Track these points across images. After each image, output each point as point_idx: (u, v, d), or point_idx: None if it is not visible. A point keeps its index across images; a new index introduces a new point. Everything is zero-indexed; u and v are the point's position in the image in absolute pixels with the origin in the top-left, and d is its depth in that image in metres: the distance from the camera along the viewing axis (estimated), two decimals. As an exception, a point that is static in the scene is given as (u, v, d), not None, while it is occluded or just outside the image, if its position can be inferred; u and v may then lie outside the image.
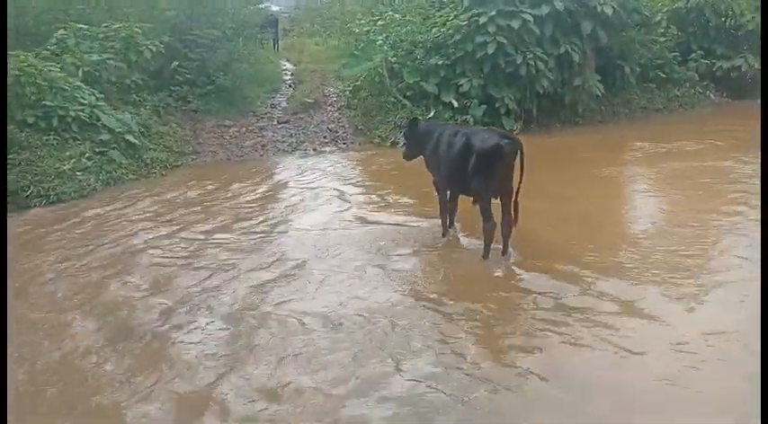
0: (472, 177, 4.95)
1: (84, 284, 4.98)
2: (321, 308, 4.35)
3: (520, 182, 4.89)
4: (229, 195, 7.73)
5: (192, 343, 3.94)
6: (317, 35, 24.70)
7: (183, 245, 5.80)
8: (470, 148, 4.90)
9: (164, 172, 9.07)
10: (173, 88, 11.32)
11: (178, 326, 4.19)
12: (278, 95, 13.80)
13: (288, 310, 4.34)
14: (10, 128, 7.75)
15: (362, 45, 11.93)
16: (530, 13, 10.37)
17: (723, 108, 13.26)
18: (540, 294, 4.47)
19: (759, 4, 12.99)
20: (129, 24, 10.56)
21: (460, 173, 5.08)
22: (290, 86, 14.65)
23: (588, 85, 11.36)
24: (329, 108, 12.44)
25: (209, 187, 8.16)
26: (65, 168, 7.99)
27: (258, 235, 6.02)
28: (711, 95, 13.66)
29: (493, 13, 10.27)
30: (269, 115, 12.29)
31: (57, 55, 9.71)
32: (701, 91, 13.44)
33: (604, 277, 4.66)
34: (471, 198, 5.41)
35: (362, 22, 12.61)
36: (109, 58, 10.04)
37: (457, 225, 5.87)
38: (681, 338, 3.70)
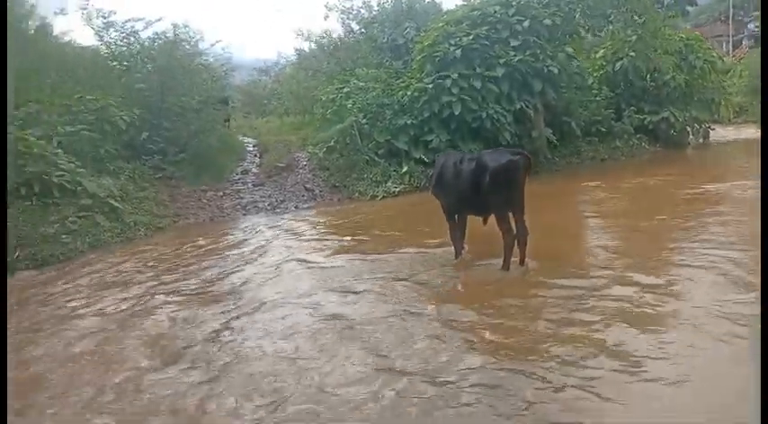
0: (488, 195, 5.33)
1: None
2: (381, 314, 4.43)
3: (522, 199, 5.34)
4: (227, 245, 7.69)
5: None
6: (266, 115, 25.55)
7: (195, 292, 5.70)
8: (484, 168, 5.31)
9: (150, 234, 8.88)
10: (145, 157, 11.33)
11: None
12: (246, 163, 14.05)
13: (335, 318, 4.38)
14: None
15: (333, 110, 12.53)
16: (487, 74, 11.42)
17: (657, 156, 14.73)
18: (570, 288, 4.77)
19: (679, 62, 14.95)
20: (102, 96, 10.67)
21: (474, 194, 5.46)
22: (255, 156, 14.95)
23: (543, 137, 12.41)
24: (301, 170, 12.76)
25: (201, 242, 8.07)
26: (50, 232, 7.72)
27: (273, 270, 6.02)
28: (646, 146, 15.17)
29: (455, 75, 11.24)
30: (242, 180, 12.46)
31: (29, 126, 9.59)
32: (637, 142, 14.91)
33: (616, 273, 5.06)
34: (481, 219, 5.84)
35: (328, 89, 13.31)
36: (83, 129, 10.01)
37: (466, 246, 6.16)
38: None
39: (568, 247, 6.33)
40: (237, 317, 4.71)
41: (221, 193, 11.31)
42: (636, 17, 14.29)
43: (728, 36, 48.98)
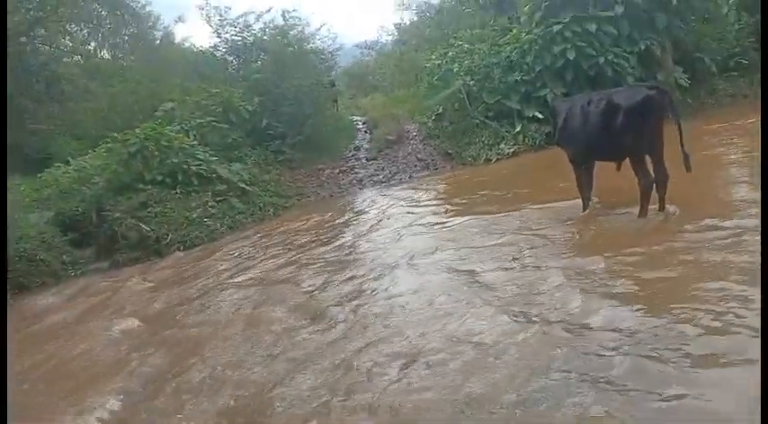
0: (622, 137, 4.93)
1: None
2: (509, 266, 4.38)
3: (681, 135, 4.82)
4: (349, 217, 7.99)
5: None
6: (371, 93, 25.89)
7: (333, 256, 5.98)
8: (616, 107, 4.91)
9: (278, 213, 9.49)
10: (266, 143, 12.05)
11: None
12: (357, 140, 14.40)
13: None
14: (144, 187, 8.52)
15: (438, 74, 12.34)
16: (604, 14, 10.54)
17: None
18: (715, 230, 4.32)
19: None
20: (226, 89, 11.47)
21: (607, 138, 5.08)
22: (365, 132, 15.27)
23: (672, 79, 11.25)
24: (412, 141, 12.82)
25: (326, 216, 8.45)
26: (194, 216, 8.54)
27: (397, 234, 6.15)
28: (799, 75, 13.17)
29: (567, 19, 10.52)
30: (355, 156, 12.81)
31: (166, 123, 10.61)
32: (787, 71, 13.00)
33: None
34: (615, 165, 5.42)
35: (432, 56, 13.12)
36: (212, 121, 10.87)
37: (595, 198, 5.80)
38: None
39: (706, 192, 5.67)
40: (374, 278, 4.89)
41: (337, 170, 11.73)
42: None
43: None
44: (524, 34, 11.53)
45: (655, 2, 10.67)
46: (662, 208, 5.07)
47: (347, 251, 6.03)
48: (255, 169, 10.78)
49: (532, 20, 11.44)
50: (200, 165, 9.42)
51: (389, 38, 29.64)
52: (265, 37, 13.85)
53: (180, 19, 22.59)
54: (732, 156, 7.47)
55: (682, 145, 4.83)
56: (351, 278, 5.08)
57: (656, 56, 10.90)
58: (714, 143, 8.17)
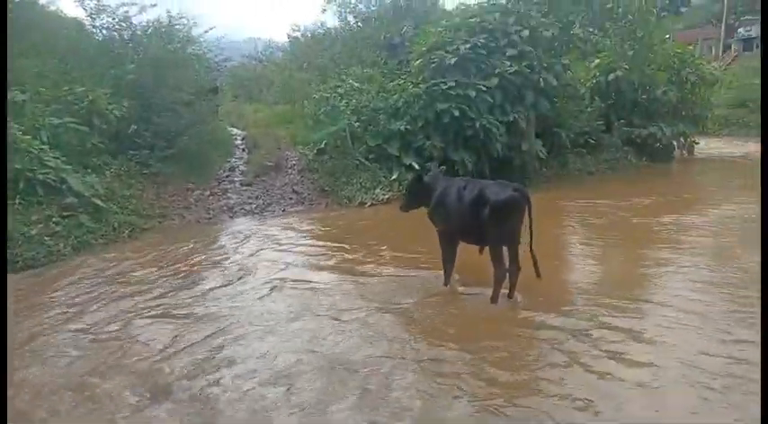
0: (486, 227, 5.35)
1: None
2: (346, 355, 4.44)
3: (532, 234, 5.35)
4: (213, 256, 7.64)
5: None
6: (254, 102, 25.25)
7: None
8: (485, 200, 5.32)
9: (134, 236, 8.78)
10: (133, 152, 11.12)
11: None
12: (234, 159, 13.90)
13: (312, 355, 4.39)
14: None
15: (325, 110, 12.42)
16: (482, 84, 11.40)
17: (643, 171, 14.89)
18: (553, 329, 4.84)
19: (672, 78, 15.10)
20: (92, 88, 10.42)
21: (472, 224, 5.48)
22: (243, 150, 14.80)
23: (533, 149, 12.47)
24: (290, 171, 12.67)
25: (184, 249, 7.99)
26: (32, 233, 7.59)
27: (255, 293, 6.01)
28: (632, 159, 15.34)
29: (452, 83, 11.20)
30: (230, 178, 12.33)
31: (16, 117, 9.35)
32: (624, 155, 15.07)
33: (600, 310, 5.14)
34: (478, 248, 5.85)
35: (321, 88, 13.18)
36: (71, 122, 9.79)
37: (455, 275, 6.20)
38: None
39: (555, 277, 6.37)
40: (222, 346, 4.70)
41: (208, 192, 11.19)
42: (634, 31, 14.43)
43: (718, 39, 49.55)
44: (411, 86, 12.05)
45: (526, 81, 11.78)
46: (511, 296, 5.57)
47: (204, 304, 5.72)
48: (115, 182, 9.88)
49: (420, 74, 12.01)
50: (47, 173, 8.42)
51: (280, 48, 29.31)
52: (146, 37, 12.87)
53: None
54: (574, 238, 8.45)
55: (531, 249, 5.36)
56: (205, 340, 4.84)
57: (521, 127, 12.02)
58: (558, 223, 9.15)
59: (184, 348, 4.71)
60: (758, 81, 23.39)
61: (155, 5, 13.51)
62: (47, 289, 6.37)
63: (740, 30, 51.41)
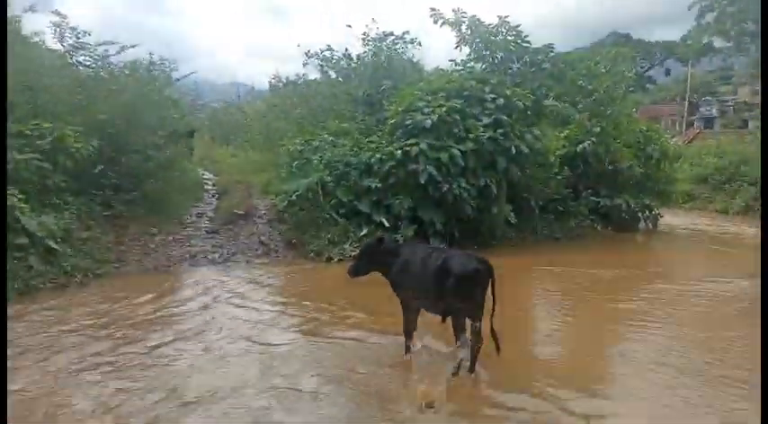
0: (449, 298, 5.24)
1: None
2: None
3: (494, 308, 5.25)
4: (166, 309, 7.30)
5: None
6: (230, 145, 25.20)
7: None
8: (449, 271, 5.22)
9: (87, 282, 8.37)
10: (95, 192, 10.82)
11: None
12: (203, 205, 13.72)
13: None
14: None
15: (298, 163, 12.39)
16: (456, 148, 11.58)
17: (608, 240, 15.15)
18: (511, 409, 4.69)
19: (638, 153, 15.67)
20: (62, 125, 10.19)
21: (436, 294, 5.36)
22: (213, 196, 14.63)
23: (502, 213, 12.60)
24: (259, 220, 12.49)
25: (137, 299, 7.63)
26: (-26, 274, 7.15)
27: (206, 355, 5.70)
28: (598, 228, 15.62)
29: (424, 145, 11.35)
30: (195, 225, 12.09)
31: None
32: (590, 223, 15.35)
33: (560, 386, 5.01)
34: (441, 318, 5.70)
35: (296, 141, 13.19)
36: (33, 158, 9.50)
37: (418, 343, 6.02)
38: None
39: (517, 352, 6.23)
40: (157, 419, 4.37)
41: (171, 238, 10.89)
42: (602, 107, 15.06)
43: (682, 116, 52.41)
44: (385, 144, 12.17)
45: (499, 147, 12.02)
46: (472, 370, 5.39)
47: (147, 364, 5.37)
48: (74, 223, 9.51)
49: (394, 133, 12.16)
50: (1, 211, 8.06)
51: (261, 94, 29.63)
52: (123, 76, 12.80)
53: (31, 8, 19.72)
54: (539, 308, 8.40)
55: (491, 325, 5.25)
56: (138, 409, 4.51)
57: (492, 192, 12.16)
58: (524, 292, 9.12)
59: (113, 409, 4.38)
60: (716, 160, 24.62)
61: (135, 46, 13.59)
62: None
63: (701, 109, 54.64)
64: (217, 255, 10.50)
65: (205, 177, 16.81)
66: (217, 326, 6.58)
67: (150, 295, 7.83)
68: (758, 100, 50.78)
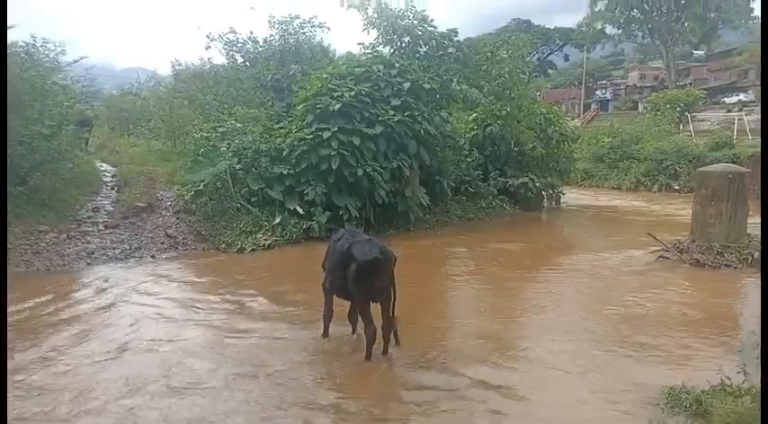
0: (352, 284, 5.24)
1: None
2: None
3: (394, 306, 5.31)
4: (58, 311, 6.75)
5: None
6: (132, 135, 23.69)
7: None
8: (351, 258, 5.21)
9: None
10: (-28, 188, 9.74)
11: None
12: (100, 198, 12.79)
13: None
14: None
15: (204, 151, 11.85)
16: (366, 131, 11.57)
17: (516, 217, 15.90)
18: (425, 388, 4.79)
19: (540, 135, 16.45)
20: None
21: (342, 279, 5.35)
22: (112, 189, 13.69)
23: (416, 196, 12.80)
24: (164, 212, 11.83)
25: (25, 303, 7.00)
26: None
27: (104, 356, 5.35)
28: (507, 207, 16.33)
29: (335, 129, 11.24)
30: (92, 219, 11.23)
31: None
32: (499, 203, 16.00)
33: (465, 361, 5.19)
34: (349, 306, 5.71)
35: (203, 127, 12.60)
36: None
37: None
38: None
39: (432, 330, 6.37)
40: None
41: (65, 235, 10.06)
42: (506, 90, 15.63)
43: (580, 99, 55.95)
44: (295, 129, 11.92)
45: (408, 130, 12.17)
46: (385, 352, 5.44)
47: (31, 371, 4.96)
48: (-54, 223, 8.53)
49: (304, 119, 11.93)
50: None
51: (163, 81, 28.01)
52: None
53: None
54: (453, 286, 8.63)
55: (392, 315, 5.34)
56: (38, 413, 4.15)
57: (405, 174, 12.31)
58: (438, 271, 9.34)
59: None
60: (610, 139, 26.49)
61: (12, 27, 12.27)
62: None
63: (597, 92, 58.58)
64: (117, 251, 9.84)
65: (103, 169, 15.64)
66: (111, 326, 6.16)
67: (40, 297, 7.19)
68: (646, 83, 55.13)
